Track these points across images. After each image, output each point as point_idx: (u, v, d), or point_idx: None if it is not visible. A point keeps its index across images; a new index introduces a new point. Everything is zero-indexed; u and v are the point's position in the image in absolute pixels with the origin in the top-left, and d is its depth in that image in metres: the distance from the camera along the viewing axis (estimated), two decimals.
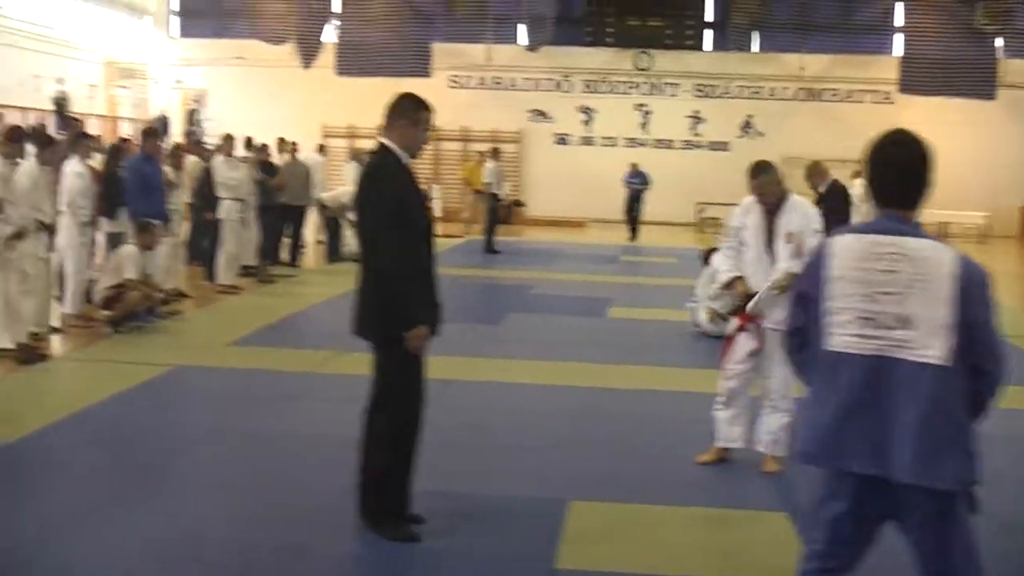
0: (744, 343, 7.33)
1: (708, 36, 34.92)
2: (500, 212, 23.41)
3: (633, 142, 33.78)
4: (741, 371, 7.37)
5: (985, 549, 4.00)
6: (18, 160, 10.50)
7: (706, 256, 13.69)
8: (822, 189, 12.98)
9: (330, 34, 33.48)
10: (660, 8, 34.11)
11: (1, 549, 5.54)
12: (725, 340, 7.57)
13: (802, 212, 7.31)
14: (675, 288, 16.85)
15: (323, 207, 19.35)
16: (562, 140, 34.57)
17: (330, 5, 33.55)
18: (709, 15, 34.88)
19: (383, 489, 5.84)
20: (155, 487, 6.66)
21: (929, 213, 20.95)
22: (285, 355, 10.89)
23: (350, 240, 19.61)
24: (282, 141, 19.16)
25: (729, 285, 7.48)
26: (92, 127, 24.71)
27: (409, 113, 5.82)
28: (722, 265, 7.60)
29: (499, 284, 17.17)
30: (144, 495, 6.47)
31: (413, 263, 5.68)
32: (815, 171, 12.85)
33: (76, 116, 21.10)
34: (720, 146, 34.39)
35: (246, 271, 16.08)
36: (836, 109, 33.96)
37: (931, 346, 3.72)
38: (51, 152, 11.26)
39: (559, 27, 33.86)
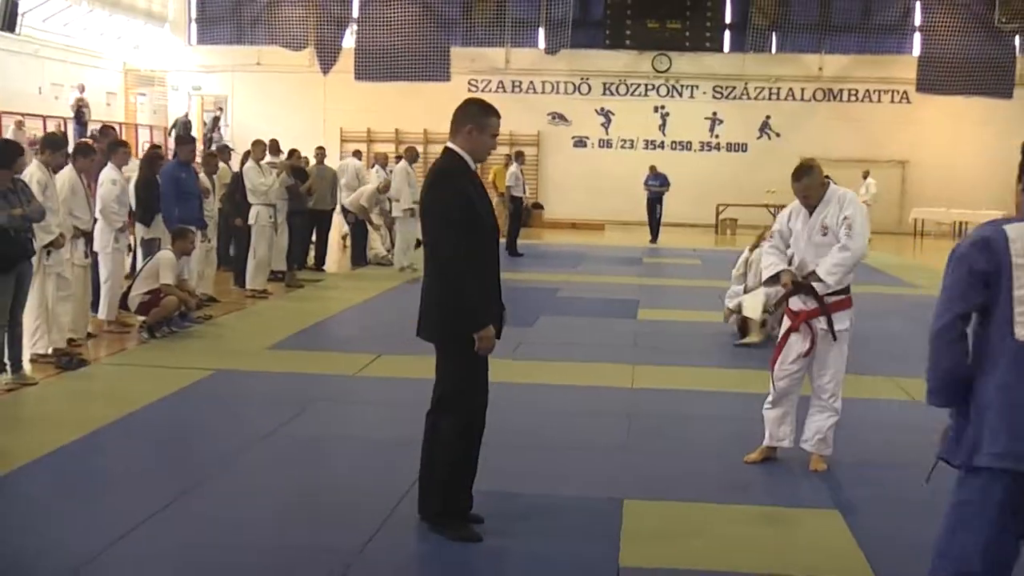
0: (796, 344, 7.35)
1: (727, 37, 34.91)
2: (522, 215, 23.41)
3: (651, 144, 33.84)
4: (792, 371, 7.39)
5: None
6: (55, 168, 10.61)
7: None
8: None
9: (349, 39, 33.63)
10: (679, 10, 34.13)
11: (54, 555, 5.57)
12: (778, 340, 7.58)
13: (837, 202, 7.33)
14: (701, 289, 16.98)
15: (346, 211, 19.41)
16: (581, 143, 34.64)
17: (349, 10, 33.75)
18: (728, 16, 34.87)
19: (447, 490, 5.87)
20: (208, 492, 6.69)
21: (946, 213, 21.14)
22: (324, 358, 10.94)
23: (375, 244, 19.72)
24: (320, 149, 19.50)
25: (775, 278, 7.52)
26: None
27: (476, 119, 5.87)
28: (766, 261, 7.64)
29: (526, 287, 17.16)
30: (197, 500, 6.50)
31: (479, 264, 5.71)
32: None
33: (110, 124, 21.04)
34: (738, 147, 34.49)
35: (274, 276, 16.13)
36: (854, 109, 33.97)
37: None
38: (88, 160, 11.34)
39: (577, 30, 34.04)
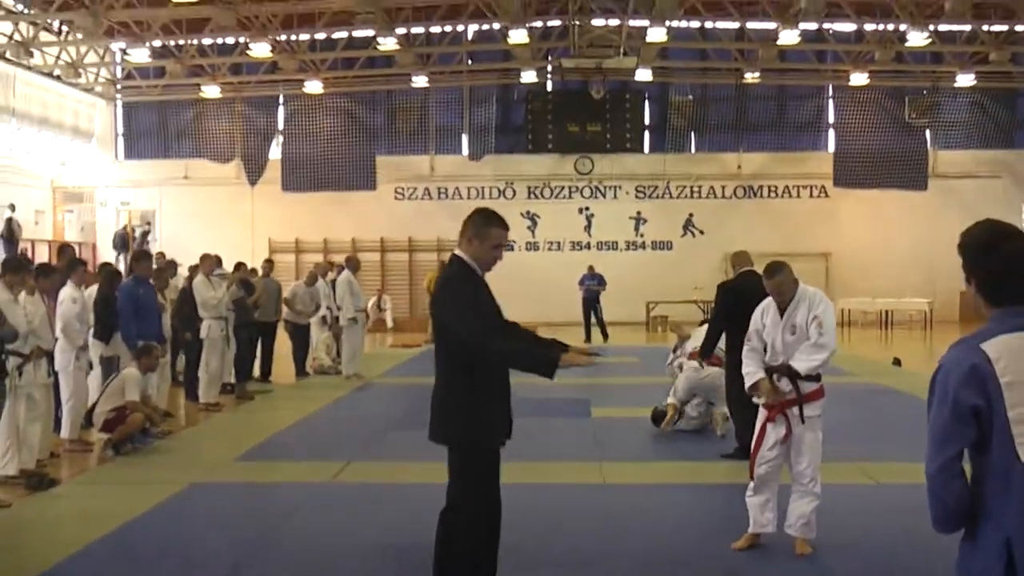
0: (773, 432, 7.64)
1: (647, 138, 35.73)
2: None
3: (578, 245, 34.35)
4: (771, 458, 7.68)
5: None
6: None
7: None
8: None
9: (275, 150, 34.00)
10: (599, 114, 34.86)
11: None
12: (756, 431, 7.85)
13: (808, 302, 7.69)
14: (644, 386, 17.21)
15: (286, 321, 19.46)
16: (508, 247, 34.83)
17: (275, 122, 34.16)
18: (647, 119, 35.68)
19: None
20: None
21: (871, 302, 21.73)
22: (294, 468, 11.01)
23: (320, 354, 19.80)
24: (268, 262, 19.80)
25: (755, 386, 7.76)
26: (40, 252, 24.82)
27: (476, 228, 5.99)
28: (746, 368, 7.88)
29: None
30: None
31: (498, 347, 5.83)
32: (736, 260, 12.75)
33: (71, 243, 21.04)
34: (663, 245, 35.15)
35: (223, 388, 16.17)
36: (774, 204, 34.85)
37: None
38: (49, 280, 11.40)
39: (500, 136, 34.73)
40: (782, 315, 7.71)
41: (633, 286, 31.95)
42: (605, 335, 27.74)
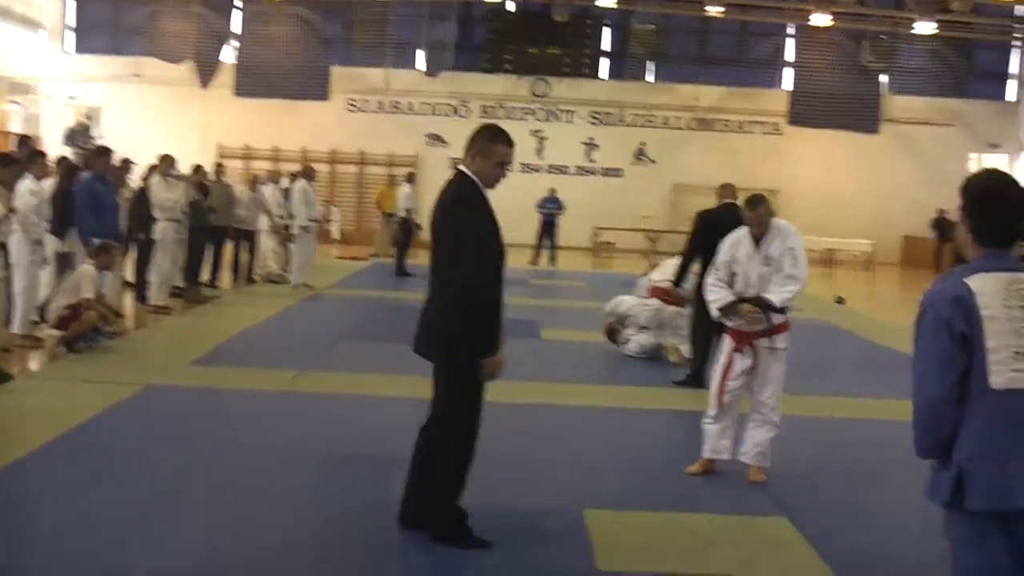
0: (740, 362, 7.80)
1: (604, 65, 35.58)
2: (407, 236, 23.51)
3: (528, 168, 34.14)
4: (735, 387, 7.84)
5: None
6: None
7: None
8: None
9: (229, 54, 33.54)
10: (558, 37, 34.61)
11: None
12: (723, 360, 7.98)
13: (782, 235, 7.82)
14: (591, 310, 17.33)
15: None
16: (458, 164, 34.79)
17: (229, 25, 33.75)
18: (606, 45, 35.54)
19: (452, 501, 6.07)
20: (173, 508, 6.78)
21: (816, 240, 21.97)
22: (248, 375, 10.99)
23: (268, 261, 19.74)
24: (219, 166, 19.59)
25: (730, 309, 7.81)
26: None
27: (480, 144, 6.03)
28: (714, 296, 7.96)
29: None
30: (162, 518, 6.55)
31: (491, 291, 5.91)
32: (721, 191, 12.86)
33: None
34: (614, 172, 35.17)
35: (171, 292, 16.08)
36: (727, 139, 34.94)
37: None
38: (9, 171, 11.28)
39: (458, 53, 34.44)
40: (756, 248, 7.82)
41: (581, 211, 31.83)
42: (553, 259, 27.83)
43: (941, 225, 30.05)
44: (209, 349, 12.37)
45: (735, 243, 7.97)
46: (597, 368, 12.70)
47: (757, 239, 7.84)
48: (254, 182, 19.74)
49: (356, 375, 11.24)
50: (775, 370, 7.81)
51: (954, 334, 3.77)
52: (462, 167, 6.06)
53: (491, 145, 6.03)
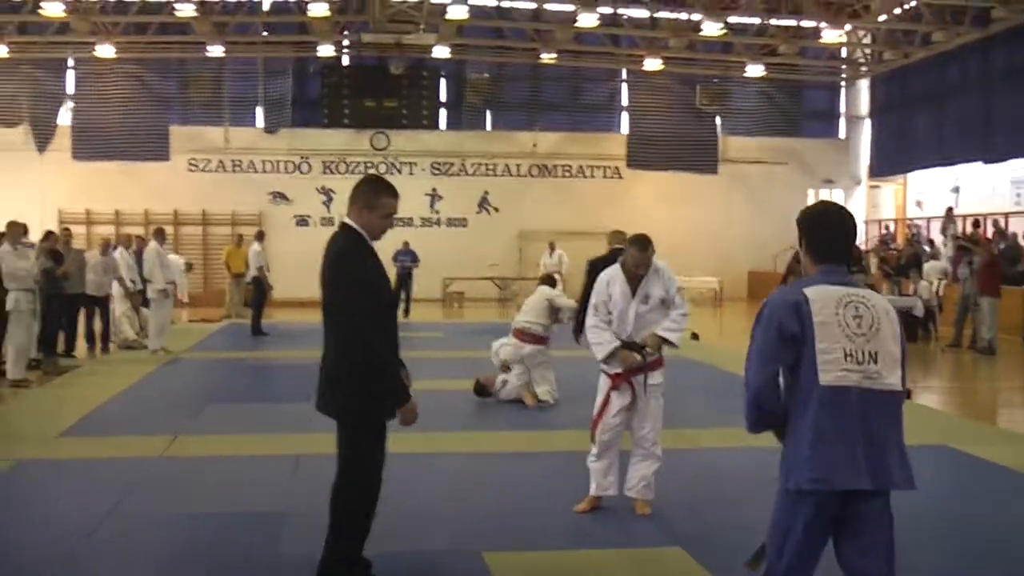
0: (617, 399, 8.05)
1: (443, 116, 35.94)
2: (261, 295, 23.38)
3: None
4: (614, 424, 8.09)
5: None
6: None
7: None
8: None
9: (65, 116, 32.94)
10: (395, 90, 34.84)
11: None
12: (600, 399, 8.22)
13: (660, 274, 8.12)
14: (451, 360, 17.59)
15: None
16: (303, 221, 34.83)
17: (64, 86, 33.15)
18: (443, 95, 35.90)
19: (354, 556, 6.15)
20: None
21: None
22: (121, 443, 10.82)
23: (124, 328, 19.44)
24: (66, 231, 19.13)
25: (612, 355, 8.05)
26: None
27: (365, 198, 6.07)
28: (596, 339, 8.16)
29: (286, 364, 17.40)
30: None
31: (387, 342, 5.98)
32: (612, 237, 13.29)
33: None
34: (458, 222, 35.45)
35: (30, 364, 15.74)
36: (568, 184, 35.60)
37: (892, 376, 4.52)
38: None
39: (296, 109, 34.45)
40: (632, 288, 8.08)
41: (429, 262, 31.82)
42: (407, 312, 27.88)
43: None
44: (77, 420, 12.14)
45: (610, 282, 8.20)
46: (471, 415, 12.85)
47: (633, 279, 8.09)
48: (106, 246, 19.42)
49: (230, 437, 11.21)
50: (653, 405, 8.09)
51: (783, 334, 4.47)
52: (347, 220, 6.09)
53: (376, 199, 6.08)
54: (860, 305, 4.53)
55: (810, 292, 4.52)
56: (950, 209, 30.04)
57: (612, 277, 8.22)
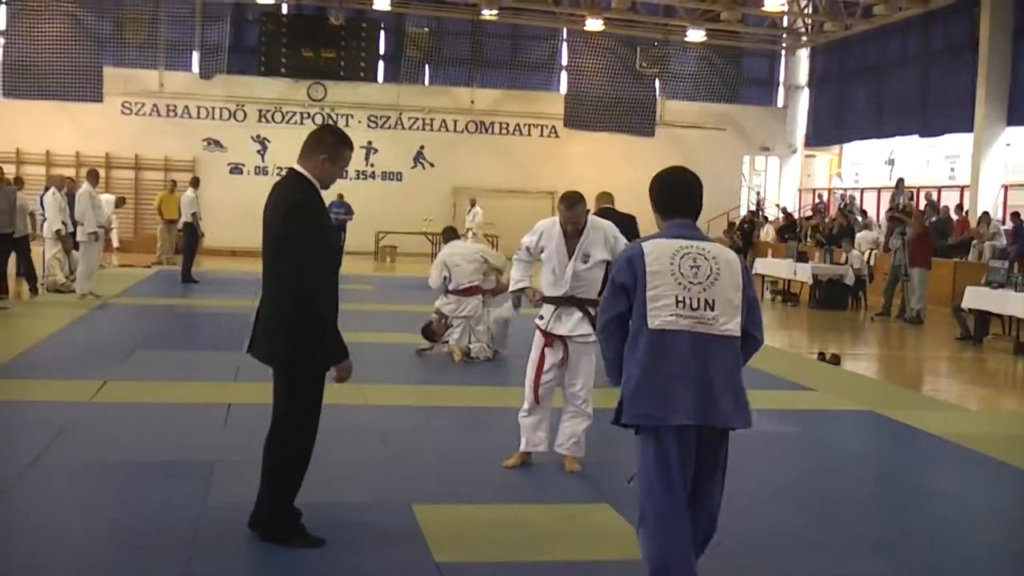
0: (551, 356, 8.09)
1: (381, 68, 35.70)
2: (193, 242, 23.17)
3: None
4: (548, 380, 8.13)
5: None
6: None
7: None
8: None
9: None
10: (333, 40, 34.51)
11: None
12: (534, 355, 8.25)
13: (601, 231, 8.15)
14: (382, 312, 17.59)
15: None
16: (237, 169, 34.56)
17: None
18: (382, 48, 35.65)
19: (286, 505, 6.12)
20: None
21: None
22: (49, 387, 10.68)
23: (55, 271, 19.18)
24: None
25: (522, 290, 8.42)
26: None
27: (331, 149, 6.00)
28: (515, 274, 8.46)
29: (217, 312, 17.30)
30: None
31: (332, 296, 5.95)
32: (600, 198, 13.35)
33: None
34: (394, 176, 35.34)
35: None
36: (505, 141, 35.57)
37: (730, 322, 4.85)
38: None
39: (232, 56, 34.04)
40: (571, 245, 8.10)
41: (363, 215, 31.83)
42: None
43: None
44: (5, 362, 11.99)
45: (547, 233, 8.25)
46: (402, 369, 12.84)
47: (571, 236, 8.12)
48: (20, 184, 19.07)
49: (161, 383, 11.10)
50: (585, 363, 8.12)
51: (616, 285, 4.91)
52: (298, 168, 6.02)
53: (340, 151, 6.05)
54: (699, 256, 4.88)
55: (647, 245, 4.92)
56: (901, 180, 30.34)
57: (549, 230, 8.25)
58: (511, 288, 8.65)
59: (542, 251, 8.25)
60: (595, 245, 8.12)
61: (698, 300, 4.77)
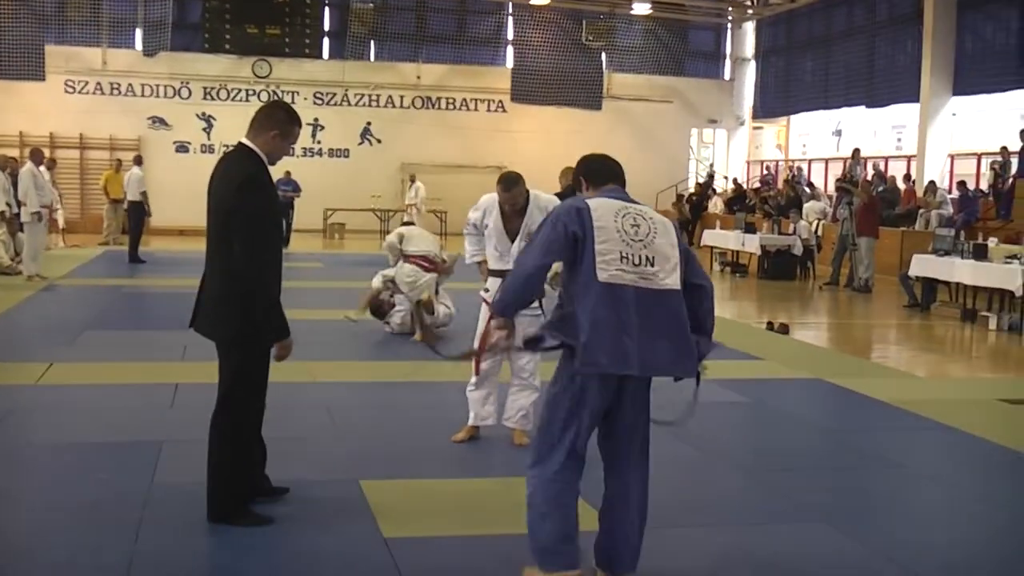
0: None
1: (326, 44, 35.50)
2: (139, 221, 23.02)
3: None
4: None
5: None
6: None
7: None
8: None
9: None
10: (278, 17, 34.25)
11: None
12: (480, 328, 8.25)
13: (541, 211, 8.11)
14: (331, 289, 17.56)
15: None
16: (183, 148, 34.29)
17: None
18: (327, 24, 35.42)
19: (230, 485, 6.08)
20: None
21: None
22: None
23: (0, 253, 18.98)
24: None
25: (479, 264, 8.47)
26: None
27: (282, 125, 5.98)
28: (469, 248, 8.50)
29: (164, 292, 17.18)
30: None
31: (276, 273, 5.90)
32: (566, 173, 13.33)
33: None
34: (341, 153, 35.23)
35: None
36: (452, 116, 35.49)
37: (668, 278, 5.04)
38: None
39: (176, 33, 33.67)
40: (515, 224, 8.09)
41: (310, 193, 31.52)
42: (287, 241, 27.57)
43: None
44: None
45: (489, 209, 8.26)
46: (349, 345, 12.86)
47: (512, 217, 8.11)
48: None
49: (108, 364, 11.04)
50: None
51: (567, 233, 4.96)
52: (246, 142, 5.97)
53: (290, 127, 6.04)
54: (637, 216, 5.11)
55: (591, 202, 5.11)
56: (857, 150, 30.49)
57: (491, 207, 8.24)
58: (467, 260, 8.68)
59: (487, 227, 8.26)
60: (538, 223, 8.09)
61: (639, 256, 4.97)
